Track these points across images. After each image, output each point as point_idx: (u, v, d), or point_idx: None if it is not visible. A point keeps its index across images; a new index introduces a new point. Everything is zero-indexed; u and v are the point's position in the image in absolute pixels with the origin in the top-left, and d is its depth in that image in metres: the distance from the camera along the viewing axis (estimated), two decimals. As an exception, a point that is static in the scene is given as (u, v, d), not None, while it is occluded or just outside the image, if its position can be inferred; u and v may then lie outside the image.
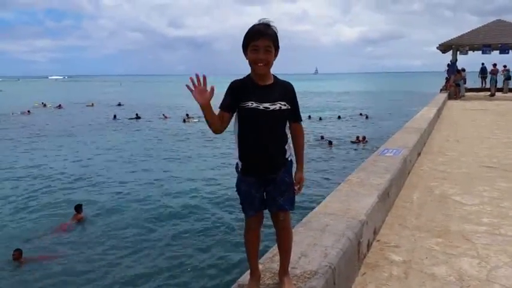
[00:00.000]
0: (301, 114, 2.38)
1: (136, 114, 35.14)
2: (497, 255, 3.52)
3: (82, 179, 15.19)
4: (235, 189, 2.35)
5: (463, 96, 23.14)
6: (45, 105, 47.59)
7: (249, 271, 2.44)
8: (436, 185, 5.83)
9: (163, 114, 36.04)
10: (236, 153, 2.27)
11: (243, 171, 2.26)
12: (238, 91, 2.20)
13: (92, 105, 48.46)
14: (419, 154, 7.85)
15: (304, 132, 2.42)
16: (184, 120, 32.87)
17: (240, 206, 2.35)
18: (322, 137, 22.83)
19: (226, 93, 2.23)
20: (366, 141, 21.60)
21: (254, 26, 2.18)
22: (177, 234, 9.96)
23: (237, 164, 2.30)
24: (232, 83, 2.24)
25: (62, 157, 19.44)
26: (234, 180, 2.35)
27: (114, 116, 35.11)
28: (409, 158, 6.55)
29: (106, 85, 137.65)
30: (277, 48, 2.20)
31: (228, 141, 20.84)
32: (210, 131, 2.25)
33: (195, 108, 40.76)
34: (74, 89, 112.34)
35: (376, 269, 3.27)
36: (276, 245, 2.46)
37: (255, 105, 2.16)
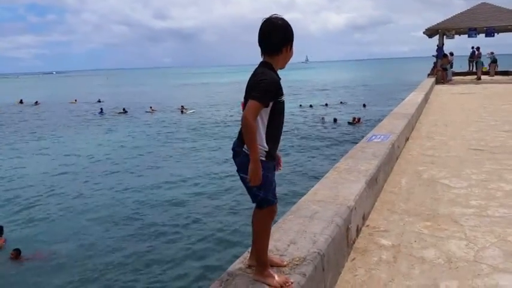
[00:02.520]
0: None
1: (123, 109, 34.95)
2: (484, 236, 3.55)
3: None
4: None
5: (450, 80, 23.27)
6: (22, 102, 46.55)
7: (240, 260, 2.47)
8: (424, 169, 5.86)
9: (150, 107, 35.85)
10: (264, 142, 2.18)
11: (267, 158, 2.20)
12: (279, 86, 2.19)
13: (75, 101, 46.84)
14: (407, 139, 7.88)
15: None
16: (182, 112, 33.41)
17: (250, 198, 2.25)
18: (323, 119, 26.17)
19: (271, 88, 2.13)
20: (361, 122, 24.19)
21: (289, 23, 2.22)
22: (171, 226, 9.97)
23: (261, 150, 2.18)
24: (275, 78, 2.17)
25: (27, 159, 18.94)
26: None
27: (101, 110, 34.98)
28: (397, 144, 6.57)
29: (92, 80, 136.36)
30: None
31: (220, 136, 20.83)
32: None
33: (184, 101, 40.79)
34: (60, 84, 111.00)
35: (366, 254, 3.29)
36: None
37: (283, 98, 2.24)
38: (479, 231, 3.67)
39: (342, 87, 57.90)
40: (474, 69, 26.21)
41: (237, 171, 2.24)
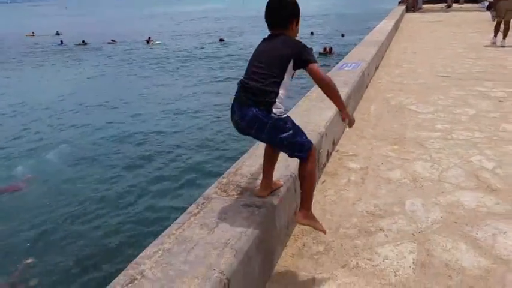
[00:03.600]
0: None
1: (83, 41, 33.45)
2: (448, 158, 3.71)
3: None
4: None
5: (421, 8, 23.12)
6: None
7: (215, 184, 2.53)
8: (392, 96, 5.96)
9: (111, 40, 34.31)
10: (284, 102, 2.20)
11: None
12: None
13: (33, 34, 43.17)
14: (377, 67, 7.91)
15: None
16: (148, 42, 32.78)
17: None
18: None
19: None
20: (333, 52, 22.84)
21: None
22: (135, 172, 9.87)
23: (283, 110, 2.20)
24: None
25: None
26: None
27: (61, 42, 33.51)
28: (367, 72, 6.60)
29: (50, 10, 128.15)
30: None
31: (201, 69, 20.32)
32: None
33: (149, 32, 39.15)
34: (15, 15, 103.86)
35: (335, 177, 3.40)
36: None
37: None
38: (443, 153, 3.83)
39: (312, 16, 56.58)
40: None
41: (273, 139, 2.20)
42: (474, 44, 10.56)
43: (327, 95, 2.26)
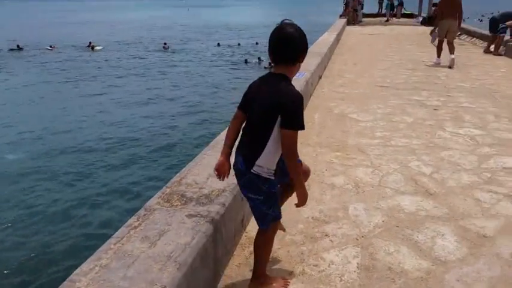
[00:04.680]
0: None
1: (17, 46, 31.50)
2: (388, 164, 3.84)
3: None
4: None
5: (361, 21, 24.07)
6: None
7: (158, 195, 2.44)
8: (335, 105, 6.11)
9: (50, 46, 32.58)
10: (275, 161, 2.01)
11: (275, 175, 2.04)
12: None
13: None
14: (320, 77, 8.10)
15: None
16: (92, 48, 31.59)
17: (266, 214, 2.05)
18: (246, 60, 26.30)
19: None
20: None
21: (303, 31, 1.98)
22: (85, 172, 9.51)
23: (269, 171, 2.01)
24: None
25: None
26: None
27: None
28: (311, 81, 6.73)
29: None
30: None
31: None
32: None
33: (91, 37, 37.83)
34: None
35: (281, 184, 3.39)
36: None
37: None
38: (383, 159, 3.96)
39: (256, 26, 57.30)
40: (382, 11, 27.29)
41: (244, 191, 2.09)
42: (411, 55, 11.13)
43: (288, 165, 1.98)
